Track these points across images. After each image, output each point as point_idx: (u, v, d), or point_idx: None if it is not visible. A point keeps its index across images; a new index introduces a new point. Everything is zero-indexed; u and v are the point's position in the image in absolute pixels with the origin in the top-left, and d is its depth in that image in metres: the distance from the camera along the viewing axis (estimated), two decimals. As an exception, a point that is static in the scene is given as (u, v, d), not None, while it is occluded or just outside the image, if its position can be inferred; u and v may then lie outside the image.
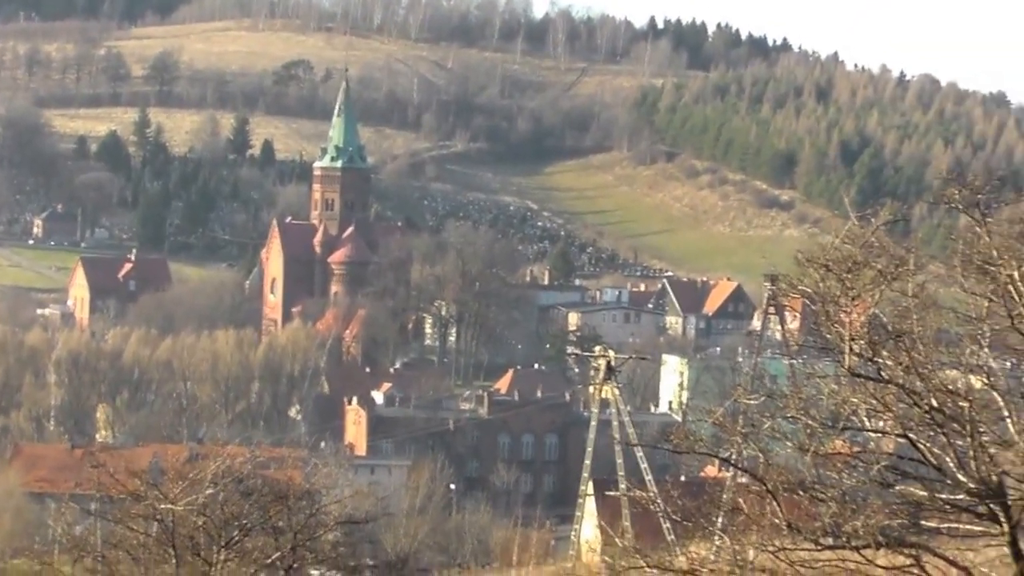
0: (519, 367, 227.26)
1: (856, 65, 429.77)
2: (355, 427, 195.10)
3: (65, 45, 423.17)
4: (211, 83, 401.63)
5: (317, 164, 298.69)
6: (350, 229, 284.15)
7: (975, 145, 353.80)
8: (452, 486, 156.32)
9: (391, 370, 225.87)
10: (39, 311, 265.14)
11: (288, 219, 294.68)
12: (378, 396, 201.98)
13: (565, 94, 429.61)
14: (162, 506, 45.05)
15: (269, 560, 43.37)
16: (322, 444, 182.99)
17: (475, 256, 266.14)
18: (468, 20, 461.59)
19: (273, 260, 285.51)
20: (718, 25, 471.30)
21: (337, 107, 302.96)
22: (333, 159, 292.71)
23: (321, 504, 49.48)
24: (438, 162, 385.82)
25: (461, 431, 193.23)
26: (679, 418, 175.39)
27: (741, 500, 22.18)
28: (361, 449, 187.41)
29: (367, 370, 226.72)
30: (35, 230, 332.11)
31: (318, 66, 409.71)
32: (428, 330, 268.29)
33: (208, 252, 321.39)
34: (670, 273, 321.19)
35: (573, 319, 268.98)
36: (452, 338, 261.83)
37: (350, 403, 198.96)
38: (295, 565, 44.02)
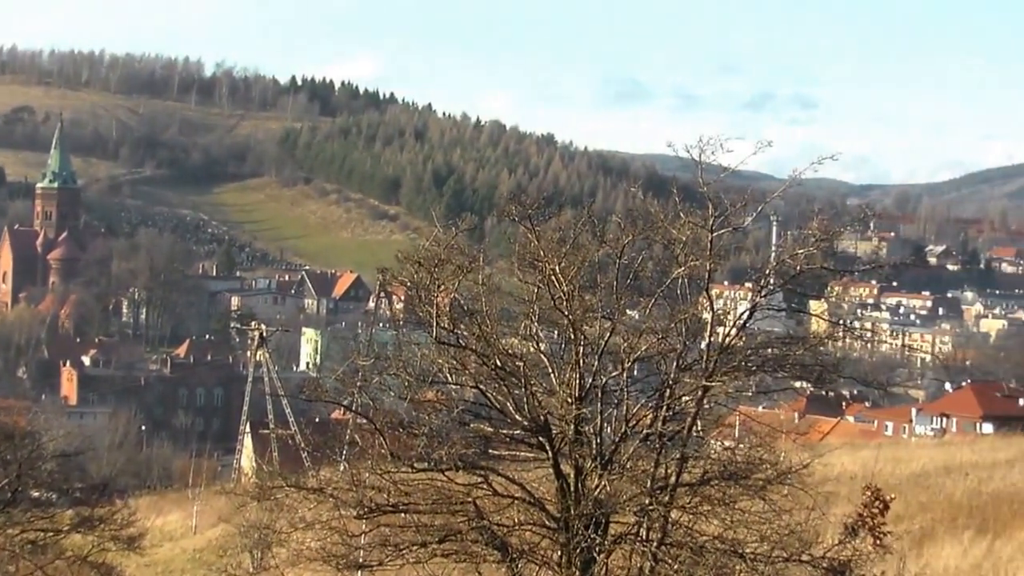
0: (194, 337, 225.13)
1: (444, 113, 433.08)
2: (68, 383, 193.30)
3: None
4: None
5: (39, 185, 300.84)
6: (64, 234, 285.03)
7: (531, 173, 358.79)
8: (143, 427, 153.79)
9: (96, 340, 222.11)
10: None
11: (16, 227, 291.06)
12: (86, 360, 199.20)
13: (228, 133, 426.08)
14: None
15: (-1, 486, 42.11)
16: (43, 397, 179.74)
17: (160, 254, 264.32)
18: (155, 76, 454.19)
19: (4, 258, 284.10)
20: (342, 82, 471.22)
21: (54, 142, 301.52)
22: (51, 181, 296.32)
23: (41, 441, 48.00)
24: (132, 184, 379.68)
25: (150, 386, 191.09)
26: (313, 374, 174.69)
27: (357, 436, 22.05)
28: (73, 400, 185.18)
29: (78, 340, 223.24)
30: None
31: (39, 111, 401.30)
32: (125, 310, 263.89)
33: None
34: (307, 267, 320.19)
35: (235, 301, 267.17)
36: (143, 316, 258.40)
37: (64, 365, 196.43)
38: (20, 489, 42.73)
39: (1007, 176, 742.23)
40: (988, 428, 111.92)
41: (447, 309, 21.23)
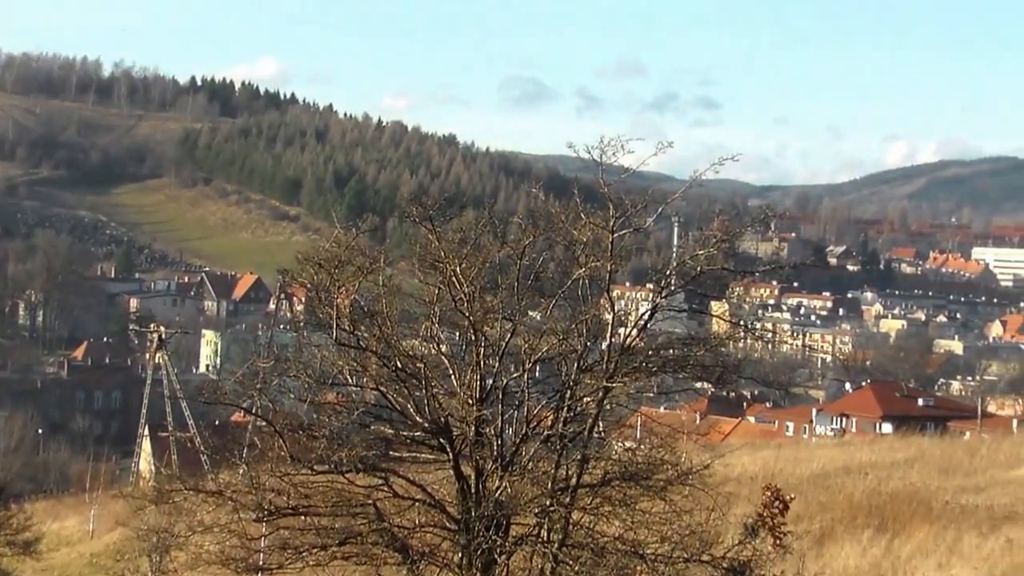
0: (92, 340, 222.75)
1: (346, 114, 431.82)
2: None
3: None
4: None
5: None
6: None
7: (433, 174, 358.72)
8: (39, 431, 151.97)
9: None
10: None
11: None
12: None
13: (127, 134, 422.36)
14: None
15: None
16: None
17: (58, 256, 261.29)
18: (52, 76, 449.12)
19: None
20: (243, 83, 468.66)
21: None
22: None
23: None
24: (29, 185, 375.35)
25: (47, 388, 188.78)
26: (213, 377, 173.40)
27: (257, 438, 21.92)
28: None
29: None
30: None
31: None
32: (22, 312, 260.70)
33: None
34: (207, 269, 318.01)
35: (134, 303, 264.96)
36: (40, 318, 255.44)
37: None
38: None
39: (907, 177, 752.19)
40: (887, 428, 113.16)
41: (347, 311, 21.17)
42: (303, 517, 20.64)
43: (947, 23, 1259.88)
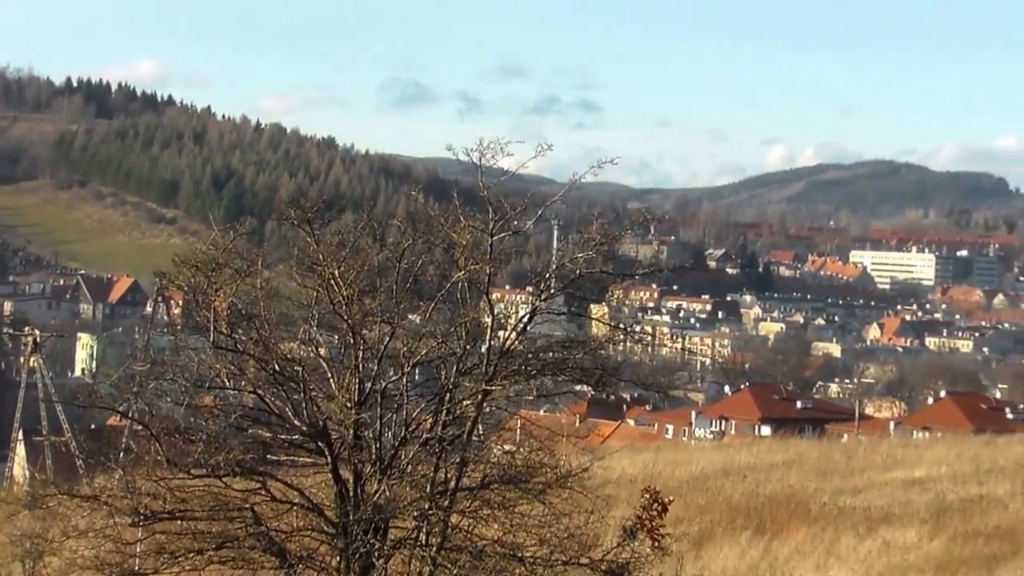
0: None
1: (224, 115, 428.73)
2: None
3: None
4: None
5: None
6: None
7: (312, 176, 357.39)
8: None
9: None
10: None
11: None
12: None
13: (1, 135, 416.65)
14: None
15: None
16: None
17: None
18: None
19: None
20: (119, 84, 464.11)
21: None
22: None
23: None
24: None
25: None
26: (89, 380, 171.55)
27: (133, 442, 21.74)
28: None
29: None
30: None
31: None
32: None
33: None
34: (83, 271, 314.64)
35: (8, 306, 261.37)
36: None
37: None
38: None
39: (785, 180, 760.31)
40: (766, 430, 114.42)
41: (225, 314, 21.06)
42: (179, 521, 20.50)
43: (826, 26, 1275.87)
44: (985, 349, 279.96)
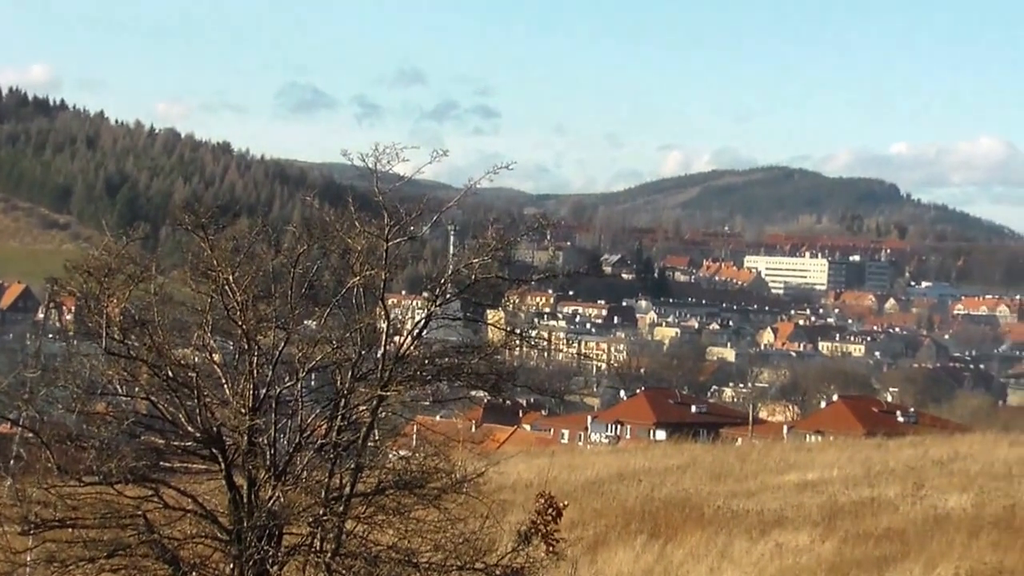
0: None
1: (117, 120, 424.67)
2: None
3: None
4: None
5: None
6: None
7: (207, 182, 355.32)
8: None
9: None
10: None
11: None
12: None
13: None
14: None
15: None
16: None
17: None
18: None
19: None
20: (10, 88, 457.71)
21: None
22: None
23: None
24: None
25: None
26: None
27: (23, 450, 21.52)
28: None
29: None
30: None
31: None
32: None
33: None
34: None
35: None
36: None
37: None
38: None
39: (680, 186, 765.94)
40: (661, 435, 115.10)
41: (118, 319, 20.87)
42: (71, 530, 20.30)
43: (717, 32, 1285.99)
44: (877, 353, 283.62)
